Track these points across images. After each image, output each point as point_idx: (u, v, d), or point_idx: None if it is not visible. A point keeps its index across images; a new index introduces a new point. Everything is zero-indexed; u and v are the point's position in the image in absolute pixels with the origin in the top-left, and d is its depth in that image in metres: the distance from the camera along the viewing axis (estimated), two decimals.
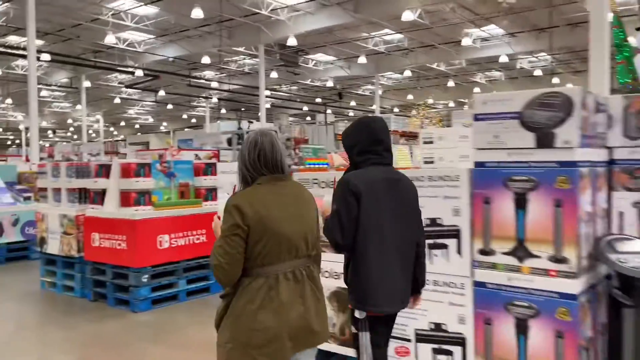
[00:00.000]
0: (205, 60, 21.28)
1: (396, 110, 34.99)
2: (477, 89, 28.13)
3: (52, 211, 6.80)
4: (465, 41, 19.88)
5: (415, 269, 2.67)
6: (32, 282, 7.28)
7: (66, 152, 12.64)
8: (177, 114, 40.90)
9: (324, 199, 3.29)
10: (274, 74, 24.38)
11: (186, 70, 26.29)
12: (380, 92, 29.64)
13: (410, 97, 30.99)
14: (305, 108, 34.92)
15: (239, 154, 2.34)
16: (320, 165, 8.73)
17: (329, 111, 32.65)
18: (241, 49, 22.38)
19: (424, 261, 2.72)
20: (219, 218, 2.35)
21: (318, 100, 31.81)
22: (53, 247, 6.69)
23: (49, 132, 49.59)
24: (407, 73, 23.86)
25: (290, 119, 36.16)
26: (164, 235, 5.95)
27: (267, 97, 31.66)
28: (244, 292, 2.18)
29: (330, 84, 26.38)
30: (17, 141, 48.40)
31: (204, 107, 38.27)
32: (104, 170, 6.20)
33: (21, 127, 42.73)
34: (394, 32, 20.14)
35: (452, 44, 21.24)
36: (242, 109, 36.55)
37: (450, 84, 27.63)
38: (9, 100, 31.40)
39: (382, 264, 2.53)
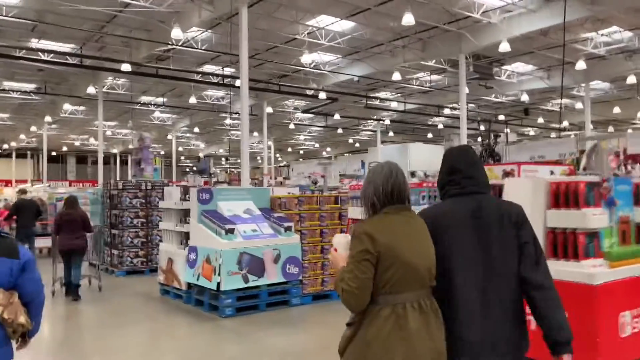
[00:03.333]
0: (396, 76, 19.52)
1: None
2: None
3: None
4: None
5: (535, 316, 2.24)
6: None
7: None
8: (343, 139, 40.19)
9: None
10: (464, 89, 21.78)
11: (364, 91, 25.01)
12: (579, 104, 25.57)
13: (616, 110, 26.32)
14: (482, 127, 31.70)
15: (368, 182, 2.34)
16: None
17: (508, 130, 29.14)
18: (430, 63, 20.33)
19: (542, 303, 2.21)
20: (335, 250, 2.35)
21: (501, 117, 28.50)
22: None
23: (222, 159, 52.27)
24: (631, 79, 19.78)
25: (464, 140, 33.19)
26: (626, 311, 3.52)
27: (442, 116, 29.30)
28: (372, 321, 2.16)
29: (525, 97, 23.16)
30: (195, 168, 51.80)
31: (369, 130, 37.05)
32: None
33: (201, 154, 45.34)
34: (623, 29, 16.61)
35: None
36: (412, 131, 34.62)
37: None
38: (196, 129, 33.13)
39: (453, 308, 2.26)
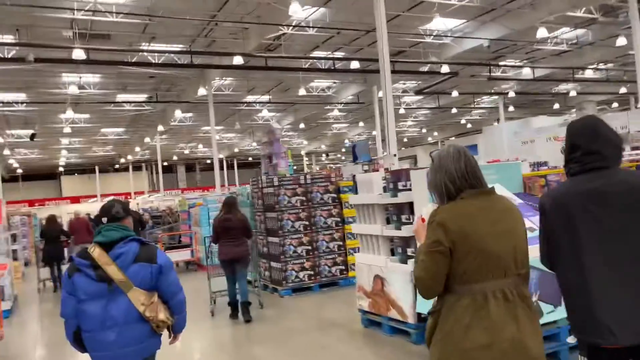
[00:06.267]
0: (542, 32, 16.19)
1: None
2: None
3: None
4: None
5: None
6: None
7: None
8: (452, 121, 36.71)
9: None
10: (621, 40, 17.92)
11: (487, 61, 21.72)
12: None
13: None
14: (623, 89, 27.06)
15: (437, 168, 2.19)
16: None
17: None
18: (579, 13, 16.73)
19: None
20: (423, 220, 2.27)
21: None
22: None
23: (322, 155, 50.62)
24: None
25: (598, 107, 28.63)
26: None
27: (577, 80, 25.13)
28: (451, 311, 2.07)
29: None
30: (295, 167, 50.70)
31: (482, 108, 33.34)
32: None
33: (302, 152, 43.93)
34: None
35: None
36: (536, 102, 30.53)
37: None
38: (301, 125, 31.52)
39: (582, 287, 2.16)
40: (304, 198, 8.26)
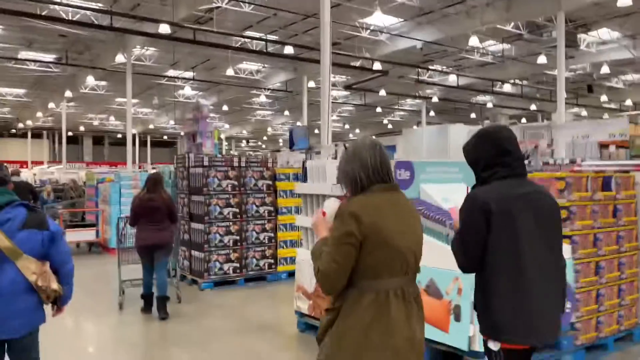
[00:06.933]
0: (474, 41, 16.50)
1: None
2: None
3: None
4: None
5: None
6: None
7: None
8: (374, 120, 37.08)
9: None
10: (541, 59, 18.78)
11: (416, 64, 21.93)
12: None
13: None
14: (533, 107, 28.74)
15: (351, 158, 2.13)
16: None
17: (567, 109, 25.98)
18: (508, 27, 17.27)
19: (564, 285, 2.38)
20: (323, 214, 2.18)
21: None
22: None
23: (242, 142, 49.30)
24: None
25: (510, 121, 30.18)
26: None
27: (496, 93, 26.19)
28: (353, 308, 2.01)
29: (605, 69, 20.03)
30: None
31: (404, 110, 33.98)
32: None
33: (222, 136, 42.32)
34: None
35: None
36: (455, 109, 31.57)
37: None
38: (224, 107, 30.14)
39: (520, 290, 2.18)
40: (236, 183, 7.41)
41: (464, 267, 2.31)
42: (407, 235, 2.05)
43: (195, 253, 7.47)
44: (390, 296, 1.99)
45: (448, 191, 3.93)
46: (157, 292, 5.81)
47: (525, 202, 2.23)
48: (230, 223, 7.36)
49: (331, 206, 2.16)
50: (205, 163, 7.30)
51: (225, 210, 7.32)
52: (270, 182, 7.73)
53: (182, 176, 7.88)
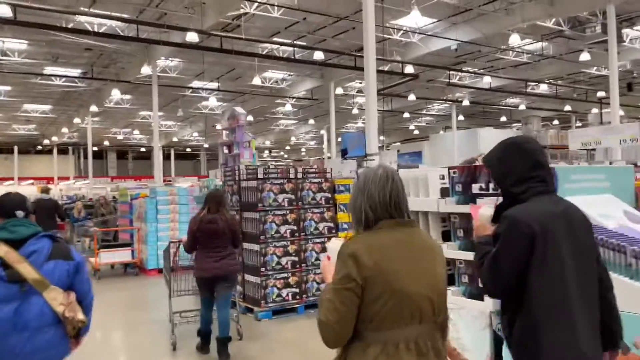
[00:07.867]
0: (514, 39, 15.54)
1: None
2: None
3: None
4: None
5: (603, 316, 2.04)
6: None
7: None
8: (399, 126, 36.10)
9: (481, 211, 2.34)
10: (584, 56, 17.69)
11: (448, 66, 20.99)
12: None
13: None
14: (568, 107, 27.50)
15: (360, 190, 1.87)
16: None
17: (600, 110, 24.73)
18: (549, 24, 16.26)
19: (613, 302, 2.11)
20: (328, 258, 1.98)
21: (601, 94, 24.06)
22: None
23: (264, 152, 48.69)
24: None
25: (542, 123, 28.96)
26: None
27: (529, 94, 25.06)
28: None
29: None
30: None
31: (430, 115, 32.99)
32: None
33: None
34: None
35: None
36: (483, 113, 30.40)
37: None
38: (249, 118, 29.52)
39: (568, 326, 1.92)
40: (292, 196, 6.56)
41: (491, 294, 2.10)
42: (419, 277, 1.79)
43: (249, 277, 6.61)
44: (401, 349, 1.73)
45: (600, 204, 3.04)
46: (219, 333, 4.90)
47: (566, 221, 2.03)
48: (288, 242, 6.51)
49: (336, 248, 1.87)
50: (260, 175, 6.45)
51: (282, 228, 6.47)
52: (329, 195, 6.86)
53: (231, 191, 7.02)
